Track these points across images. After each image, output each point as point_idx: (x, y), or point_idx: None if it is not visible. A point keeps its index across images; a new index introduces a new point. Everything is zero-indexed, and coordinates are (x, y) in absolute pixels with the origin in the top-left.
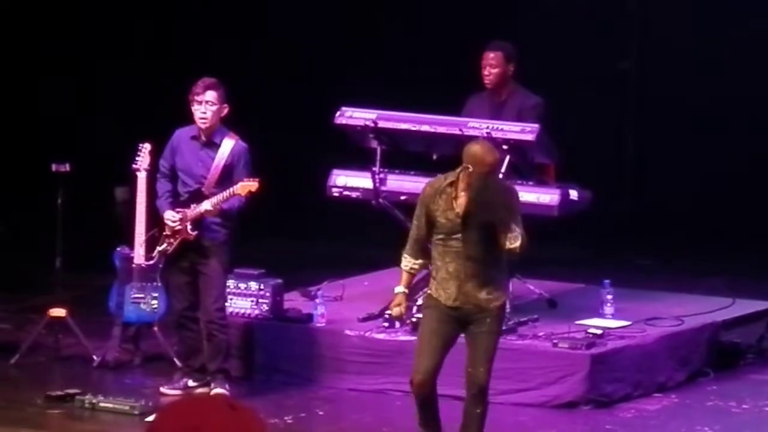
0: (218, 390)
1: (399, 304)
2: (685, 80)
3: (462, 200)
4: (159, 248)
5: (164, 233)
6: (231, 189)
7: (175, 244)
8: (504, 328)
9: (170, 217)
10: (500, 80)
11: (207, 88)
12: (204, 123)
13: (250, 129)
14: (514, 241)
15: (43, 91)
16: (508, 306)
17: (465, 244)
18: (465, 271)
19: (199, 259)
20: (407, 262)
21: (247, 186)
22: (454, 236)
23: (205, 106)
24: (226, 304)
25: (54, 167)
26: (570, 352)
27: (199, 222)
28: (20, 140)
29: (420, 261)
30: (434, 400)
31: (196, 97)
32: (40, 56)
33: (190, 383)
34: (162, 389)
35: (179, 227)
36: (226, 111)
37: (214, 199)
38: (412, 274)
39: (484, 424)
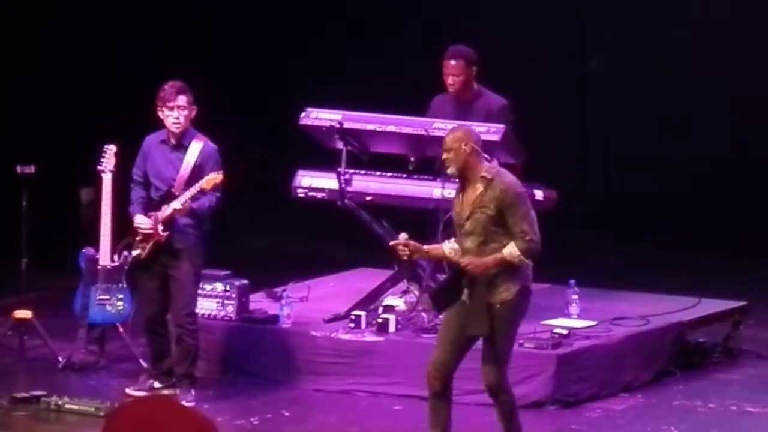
0: (183, 396)
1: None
2: (651, 80)
3: (468, 197)
4: (133, 253)
5: (137, 238)
6: (197, 185)
7: (149, 248)
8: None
9: (140, 221)
10: (464, 86)
11: (179, 92)
12: (177, 128)
13: (217, 130)
14: (514, 247)
15: (8, 93)
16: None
17: (466, 237)
18: None
19: (170, 262)
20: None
21: (212, 179)
22: (463, 231)
23: (178, 111)
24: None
25: (19, 169)
26: (536, 352)
27: (170, 224)
28: None
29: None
30: (444, 397)
31: (167, 103)
32: (5, 57)
33: (156, 385)
34: (127, 390)
35: (150, 230)
36: (195, 112)
37: (182, 197)
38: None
39: (510, 415)
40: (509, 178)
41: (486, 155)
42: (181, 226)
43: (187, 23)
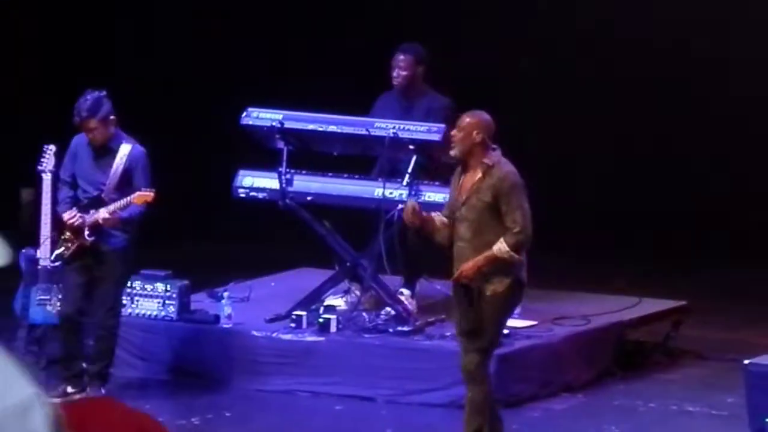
0: (93, 394)
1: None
2: (589, 78)
3: (466, 183)
4: (56, 251)
5: (62, 237)
6: (128, 198)
7: (72, 248)
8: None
9: (68, 215)
10: (408, 82)
11: (89, 116)
12: (96, 142)
13: (157, 130)
14: (502, 243)
15: None
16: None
17: (461, 222)
18: (462, 251)
19: (96, 265)
20: None
21: (143, 196)
22: (458, 216)
23: (94, 132)
24: (132, 305)
25: None
26: None
27: (97, 228)
28: None
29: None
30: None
31: (80, 126)
32: None
33: (69, 389)
34: (67, 389)
35: (78, 223)
36: (113, 121)
37: (111, 207)
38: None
39: (481, 408)
40: (509, 167)
41: (493, 145)
42: (108, 229)
43: (129, 21)
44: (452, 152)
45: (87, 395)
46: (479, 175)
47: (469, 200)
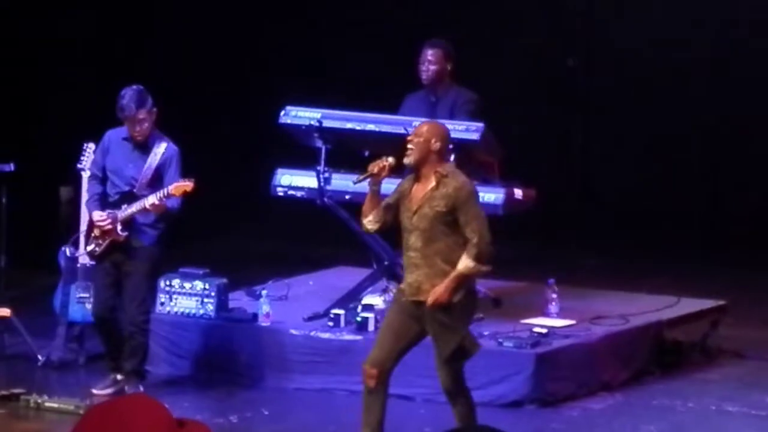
0: (132, 391)
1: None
2: (631, 78)
3: (418, 192)
4: (87, 249)
5: (92, 234)
6: (165, 189)
7: (104, 244)
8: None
9: (98, 217)
10: (437, 77)
11: (138, 107)
12: (142, 136)
13: (196, 128)
14: (467, 259)
15: None
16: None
17: (411, 232)
18: (413, 262)
19: (126, 261)
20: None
21: (182, 186)
22: (409, 226)
23: (141, 124)
24: (171, 303)
25: None
26: (515, 351)
27: (129, 223)
28: None
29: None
30: (379, 395)
31: (128, 117)
32: None
33: (119, 377)
34: (93, 390)
35: (109, 227)
36: (155, 115)
37: (151, 198)
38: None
39: (468, 417)
40: (463, 177)
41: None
42: (140, 225)
43: (169, 23)
44: (406, 159)
45: (125, 393)
46: (432, 183)
47: (421, 209)
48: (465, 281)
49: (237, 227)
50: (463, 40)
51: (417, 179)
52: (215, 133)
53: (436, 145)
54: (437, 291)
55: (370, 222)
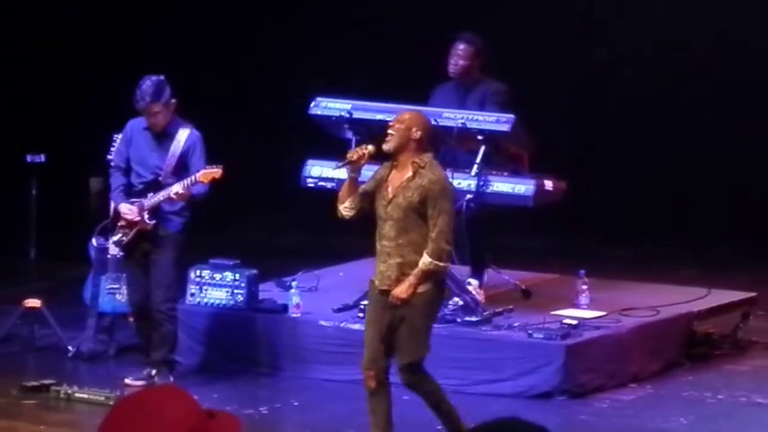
0: (162, 382)
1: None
2: (660, 69)
3: (394, 180)
4: (114, 239)
5: (119, 224)
6: (192, 177)
7: (131, 234)
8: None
9: (126, 209)
10: (465, 72)
11: (153, 98)
12: (158, 127)
13: (225, 119)
14: (426, 257)
15: (19, 83)
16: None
17: (385, 221)
18: (386, 251)
19: (152, 249)
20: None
21: (209, 173)
22: (384, 215)
23: (157, 116)
24: (201, 294)
25: (29, 158)
26: (545, 343)
27: (156, 211)
28: None
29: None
30: (382, 395)
31: (142, 108)
32: (18, 49)
33: (153, 372)
34: (126, 381)
35: (136, 219)
36: (174, 105)
37: (186, 181)
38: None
39: (439, 402)
40: (440, 171)
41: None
42: (166, 213)
43: (199, 15)
44: (385, 146)
45: (155, 383)
46: (409, 173)
47: (396, 198)
48: (426, 278)
49: (268, 219)
50: (492, 29)
51: (394, 167)
52: (243, 123)
53: (416, 134)
54: (399, 290)
55: (346, 209)
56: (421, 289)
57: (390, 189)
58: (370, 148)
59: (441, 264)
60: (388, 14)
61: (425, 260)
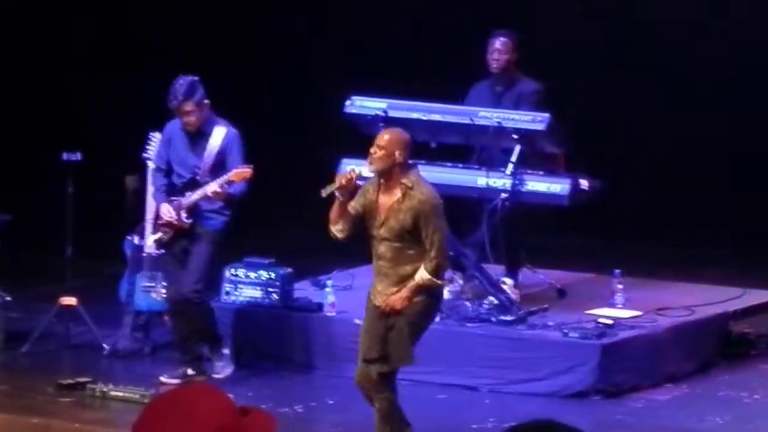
0: (197, 379)
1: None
2: (695, 67)
3: (385, 201)
4: (154, 237)
5: (159, 222)
6: (226, 176)
7: (170, 232)
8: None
9: (166, 211)
10: (507, 66)
11: (185, 97)
12: (192, 126)
13: (261, 119)
14: (423, 271)
15: (56, 81)
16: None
17: (380, 242)
18: (383, 271)
19: (190, 245)
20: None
21: (241, 173)
22: (378, 236)
23: (189, 116)
24: (236, 292)
25: (65, 156)
26: (580, 342)
27: (194, 210)
28: (32, 129)
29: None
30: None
31: (174, 107)
32: (54, 49)
33: (189, 372)
34: (161, 378)
35: (174, 220)
36: (207, 105)
37: (221, 180)
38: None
39: (390, 416)
40: (427, 188)
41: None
42: (204, 211)
43: (233, 14)
44: (370, 168)
45: (193, 381)
46: (398, 195)
47: (388, 221)
48: (419, 290)
49: (303, 217)
50: (529, 29)
51: (382, 187)
52: (280, 122)
53: (400, 156)
54: (393, 300)
55: (339, 231)
56: (415, 299)
57: (381, 212)
58: (357, 170)
59: (438, 281)
60: (425, 12)
61: (423, 276)
